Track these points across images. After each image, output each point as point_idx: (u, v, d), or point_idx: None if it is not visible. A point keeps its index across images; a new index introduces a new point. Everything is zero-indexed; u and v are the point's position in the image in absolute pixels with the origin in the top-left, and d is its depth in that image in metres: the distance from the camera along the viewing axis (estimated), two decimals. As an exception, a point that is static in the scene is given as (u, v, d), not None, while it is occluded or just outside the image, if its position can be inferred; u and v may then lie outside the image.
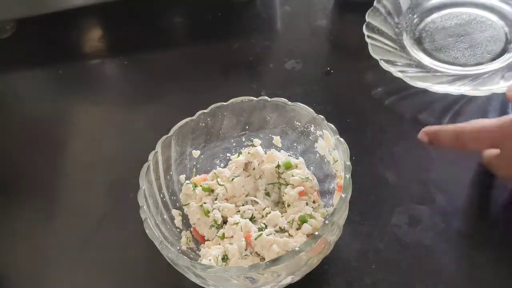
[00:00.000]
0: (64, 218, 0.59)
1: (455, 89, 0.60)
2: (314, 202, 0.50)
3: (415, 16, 0.71)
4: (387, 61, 0.64)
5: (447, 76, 0.63)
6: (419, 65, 0.65)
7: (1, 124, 0.70)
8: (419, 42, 0.68)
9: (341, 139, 0.48)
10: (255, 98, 0.53)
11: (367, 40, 0.66)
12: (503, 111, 0.60)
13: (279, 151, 0.55)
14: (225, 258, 0.47)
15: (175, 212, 0.51)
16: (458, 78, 0.62)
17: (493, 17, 0.69)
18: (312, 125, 0.52)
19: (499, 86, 0.59)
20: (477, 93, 0.59)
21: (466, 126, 0.50)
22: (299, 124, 0.53)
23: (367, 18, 0.68)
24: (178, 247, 0.49)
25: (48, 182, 0.62)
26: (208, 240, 0.50)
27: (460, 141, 0.50)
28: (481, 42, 0.67)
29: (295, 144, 0.54)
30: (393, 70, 0.62)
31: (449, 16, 0.71)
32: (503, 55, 0.65)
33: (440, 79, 0.62)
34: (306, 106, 0.51)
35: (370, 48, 0.65)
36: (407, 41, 0.68)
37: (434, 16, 0.71)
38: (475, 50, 0.66)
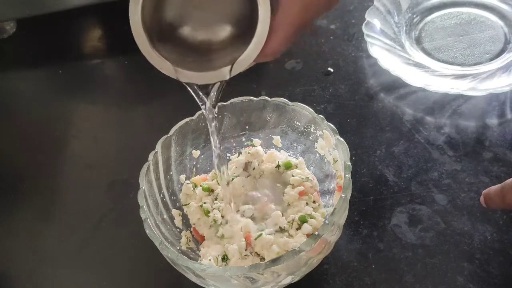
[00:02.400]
0: (64, 218, 0.59)
1: (453, 89, 0.60)
2: (314, 202, 0.50)
3: (414, 16, 0.71)
4: (386, 60, 0.64)
5: (446, 75, 0.63)
6: (418, 65, 0.65)
7: (1, 124, 0.70)
8: (418, 41, 0.68)
9: (341, 139, 0.48)
10: (255, 98, 0.53)
11: (366, 39, 0.66)
12: (501, 111, 0.60)
13: (279, 151, 0.55)
14: (225, 258, 0.47)
15: (175, 212, 0.51)
16: (456, 78, 0.62)
17: (493, 17, 0.69)
18: (312, 125, 0.52)
19: (497, 86, 0.59)
20: (474, 92, 0.60)
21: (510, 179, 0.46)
22: (299, 124, 0.53)
23: (367, 17, 0.68)
24: (178, 247, 0.49)
25: (48, 182, 0.62)
26: (208, 240, 0.50)
27: (503, 193, 0.46)
28: (480, 42, 0.67)
29: (295, 144, 0.54)
30: (392, 69, 0.62)
31: (448, 16, 0.71)
32: (501, 55, 0.65)
33: (438, 79, 0.62)
34: (306, 106, 0.51)
35: (369, 47, 0.65)
36: (406, 40, 0.68)
37: (434, 15, 0.71)
38: (474, 50, 0.66)
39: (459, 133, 0.59)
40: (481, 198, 0.48)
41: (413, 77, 0.62)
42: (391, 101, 0.63)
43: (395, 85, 0.63)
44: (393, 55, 0.65)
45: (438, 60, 0.66)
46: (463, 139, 0.58)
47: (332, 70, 0.68)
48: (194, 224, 0.51)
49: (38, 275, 0.54)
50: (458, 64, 0.65)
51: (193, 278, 0.44)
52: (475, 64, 0.65)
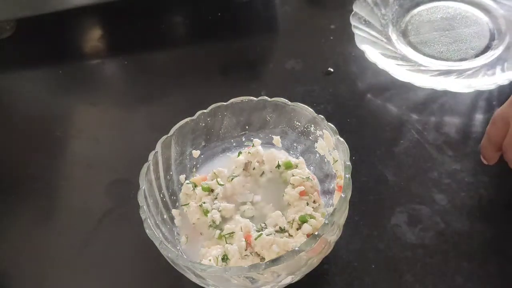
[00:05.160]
0: (64, 218, 0.59)
1: (438, 84, 0.60)
2: (314, 202, 0.50)
3: (401, 8, 0.72)
4: (373, 53, 0.64)
5: (431, 70, 0.63)
6: (404, 58, 0.65)
7: (1, 124, 0.70)
8: (404, 34, 0.69)
9: (341, 139, 0.48)
10: (255, 98, 0.53)
11: (354, 30, 0.66)
12: (488, 107, 0.60)
13: (279, 151, 0.55)
14: (225, 258, 0.47)
15: (175, 212, 0.51)
16: (442, 73, 0.62)
17: (479, 13, 0.70)
18: (312, 125, 0.52)
19: (482, 84, 0.60)
20: (460, 89, 0.60)
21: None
22: (299, 124, 0.53)
23: (354, 8, 0.69)
24: (178, 247, 0.49)
25: (48, 182, 0.62)
26: (207, 240, 0.50)
27: (487, 137, 0.50)
28: (465, 37, 0.67)
29: (295, 144, 0.55)
30: (379, 63, 0.62)
31: (435, 10, 0.71)
32: (486, 51, 0.65)
33: (424, 73, 0.62)
34: (306, 106, 0.51)
35: (356, 38, 0.65)
36: (393, 33, 0.69)
37: (420, 8, 0.72)
38: (459, 45, 0.66)
39: (459, 132, 0.59)
40: (481, 157, 0.52)
41: (400, 72, 0.62)
42: (391, 101, 0.63)
43: (395, 86, 0.63)
44: (380, 48, 0.65)
45: (424, 54, 0.66)
46: (463, 138, 0.58)
47: (332, 70, 0.68)
48: (194, 224, 0.51)
49: (38, 275, 0.54)
50: (444, 59, 0.65)
51: (193, 278, 0.44)
52: (461, 60, 0.65)
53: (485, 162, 0.53)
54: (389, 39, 0.68)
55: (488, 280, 0.48)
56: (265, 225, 0.49)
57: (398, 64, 0.63)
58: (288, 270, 0.43)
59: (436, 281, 0.48)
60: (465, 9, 0.70)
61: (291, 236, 0.47)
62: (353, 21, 0.67)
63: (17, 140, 0.68)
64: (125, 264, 0.54)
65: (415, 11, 0.71)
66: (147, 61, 0.75)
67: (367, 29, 0.67)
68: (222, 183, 0.52)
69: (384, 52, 0.65)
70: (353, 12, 0.68)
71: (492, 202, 0.53)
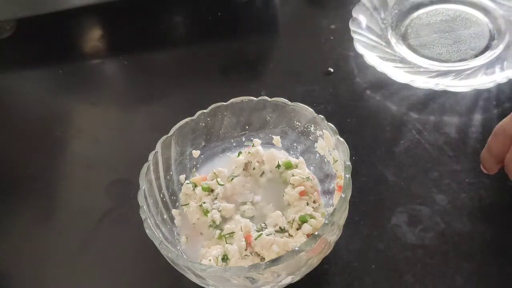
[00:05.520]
0: (64, 218, 0.59)
1: (437, 85, 0.60)
2: (314, 202, 0.50)
3: (401, 12, 0.72)
4: (372, 57, 0.64)
5: (431, 71, 0.63)
6: (404, 61, 0.65)
7: (1, 124, 0.70)
8: (404, 38, 0.69)
9: (341, 139, 0.48)
10: (255, 98, 0.53)
11: (353, 35, 0.66)
12: (502, 110, 0.60)
13: (279, 151, 0.55)
14: (225, 258, 0.47)
15: (175, 212, 0.51)
16: (441, 74, 0.62)
17: (478, 14, 0.70)
18: (312, 125, 0.52)
19: (481, 82, 0.60)
20: (458, 88, 0.60)
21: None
22: (299, 124, 0.53)
23: (353, 13, 0.69)
24: (178, 247, 0.49)
25: (48, 182, 0.62)
26: (207, 240, 0.50)
27: (488, 149, 0.50)
28: (465, 38, 0.67)
29: (295, 144, 0.55)
30: (378, 66, 0.62)
31: (434, 13, 0.71)
32: (486, 51, 0.65)
33: (423, 75, 0.62)
34: (306, 106, 0.51)
35: (355, 43, 0.65)
36: (392, 37, 0.69)
37: (420, 12, 0.72)
38: (459, 46, 0.67)
39: (459, 132, 0.59)
40: (481, 166, 0.52)
41: (398, 74, 0.62)
42: (391, 101, 0.63)
43: (395, 85, 0.63)
44: (379, 52, 0.65)
45: (424, 56, 0.66)
46: (463, 138, 0.58)
47: (332, 70, 0.68)
48: (194, 224, 0.51)
49: (38, 275, 0.54)
50: (443, 61, 0.65)
51: (193, 278, 0.44)
52: (460, 60, 0.65)
53: (485, 171, 0.52)
54: (388, 42, 0.68)
55: (488, 281, 0.48)
56: (265, 225, 0.49)
57: (397, 67, 0.63)
58: (288, 270, 0.43)
59: (436, 282, 0.48)
60: (464, 11, 0.71)
61: (291, 236, 0.47)
62: (352, 26, 0.67)
63: (17, 140, 0.68)
64: (125, 264, 0.54)
65: (415, 14, 0.71)
66: (147, 61, 0.75)
67: (366, 34, 0.67)
68: (222, 183, 0.52)
69: (383, 56, 0.65)
70: (352, 17, 0.68)
71: (493, 202, 0.53)
